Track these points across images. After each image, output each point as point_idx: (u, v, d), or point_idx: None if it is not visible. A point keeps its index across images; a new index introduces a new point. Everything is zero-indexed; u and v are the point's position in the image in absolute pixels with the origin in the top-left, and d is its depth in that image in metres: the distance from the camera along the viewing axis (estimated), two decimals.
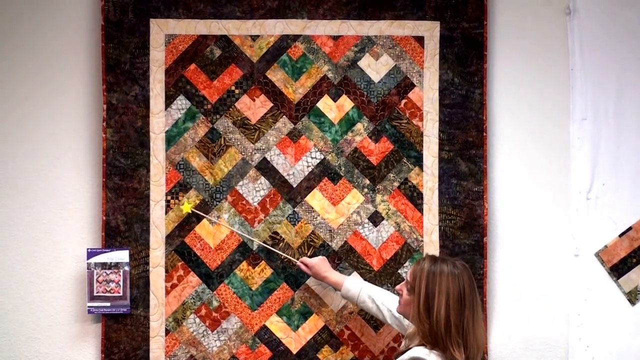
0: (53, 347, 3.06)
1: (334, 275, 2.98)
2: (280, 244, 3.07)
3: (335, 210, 3.09)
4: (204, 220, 3.06)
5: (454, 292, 2.53)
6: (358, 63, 3.10)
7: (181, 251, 3.06)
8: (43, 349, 3.06)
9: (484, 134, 3.08)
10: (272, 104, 3.09)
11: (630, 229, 3.11)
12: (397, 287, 2.72)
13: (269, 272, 3.07)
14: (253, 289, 3.07)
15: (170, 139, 3.07)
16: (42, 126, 3.09)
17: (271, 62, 3.10)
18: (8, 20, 3.10)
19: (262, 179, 3.09)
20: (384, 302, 2.89)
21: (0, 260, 3.07)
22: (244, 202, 3.08)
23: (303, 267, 3.00)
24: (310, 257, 3.04)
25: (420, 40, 3.10)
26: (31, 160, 3.09)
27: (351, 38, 3.10)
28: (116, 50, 3.05)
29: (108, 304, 3.02)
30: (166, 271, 3.05)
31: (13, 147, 3.09)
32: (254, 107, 3.09)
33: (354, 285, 2.94)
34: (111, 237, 3.03)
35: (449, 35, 3.09)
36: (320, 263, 2.99)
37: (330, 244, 3.08)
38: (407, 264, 3.07)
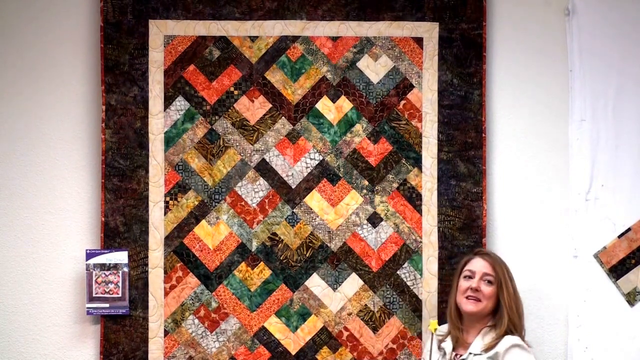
0: (52, 348, 3.06)
1: None
2: (279, 245, 3.07)
3: (334, 211, 3.09)
4: (203, 222, 3.06)
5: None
6: (357, 64, 3.10)
7: (180, 252, 3.06)
8: (42, 350, 3.06)
9: (483, 135, 3.08)
10: (271, 105, 3.09)
11: (629, 230, 3.11)
12: (475, 285, 2.77)
13: (267, 273, 3.07)
14: (252, 290, 3.07)
15: (169, 140, 3.07)
16: (40, 127, 3.09)
17: (270, 63, 3.10)
18: (7, 22, 3.09)
19: (261, 180, 3.09)
20: None
21: None
22: (242, 203, 3.08)
23: None
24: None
25: (419, 41, 3.10)
26: (30, 161, 3.08)
27: (350, 39, 3.10)
28: (115, 51, 3.05)
29: (107, 305, 3.02)
30: (165, 272, 3.05)
31: (12, 148, 3.08)
32: (253, 108, 3.09)
33: None
34: (110, 238, 3.03)
35: (448, 37, 3.09)
36: None
37: (329, 245, 3.08)
38: (405, 265, 3.07)
